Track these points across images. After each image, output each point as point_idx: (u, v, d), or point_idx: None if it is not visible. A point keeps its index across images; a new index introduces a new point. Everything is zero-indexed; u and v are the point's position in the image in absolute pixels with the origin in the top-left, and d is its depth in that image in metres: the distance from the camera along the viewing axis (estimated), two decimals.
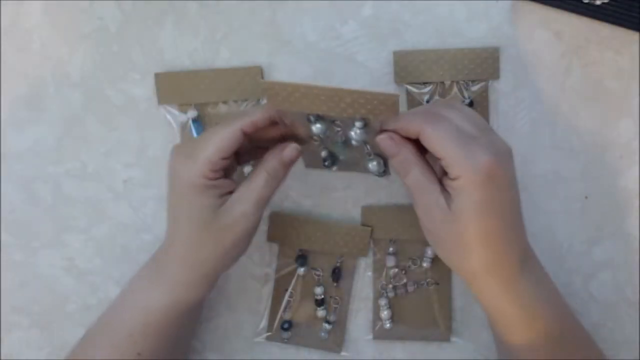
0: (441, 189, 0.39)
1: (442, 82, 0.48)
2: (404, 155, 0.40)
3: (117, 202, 0.52)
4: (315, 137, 0.43)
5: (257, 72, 0.49)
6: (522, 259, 0.41)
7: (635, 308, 0.50)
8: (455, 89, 0.49)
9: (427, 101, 0.49)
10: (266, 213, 0.51)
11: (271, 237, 0.51)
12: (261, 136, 0.43)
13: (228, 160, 0.41)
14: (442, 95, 0.49)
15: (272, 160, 0.42)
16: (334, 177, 0.51)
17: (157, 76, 0.50)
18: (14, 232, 0.52)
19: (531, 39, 0.48)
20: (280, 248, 0.51)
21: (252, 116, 0.41)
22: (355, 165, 0.45)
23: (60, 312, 0.53)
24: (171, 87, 0.49)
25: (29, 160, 0.52)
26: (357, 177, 0.50)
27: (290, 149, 0.42)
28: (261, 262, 0.52)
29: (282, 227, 0.51)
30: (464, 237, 0.38)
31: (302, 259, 0.51)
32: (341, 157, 0.45)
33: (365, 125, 0.40)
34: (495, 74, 0.48)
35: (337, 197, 0.51)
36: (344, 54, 0.49)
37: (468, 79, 0.48)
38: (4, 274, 0.53)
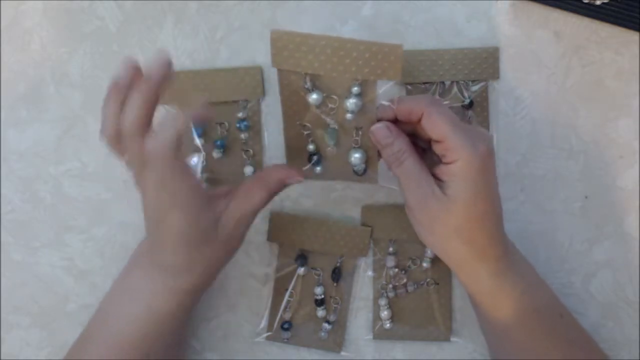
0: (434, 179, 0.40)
1: (442, 82, 0.48)
2: (399, 146, 0.41)
3: (117, 202, 0.52)
4: (305, 123, 0.43)
5: (257, 72, 0.49)
6: (505, 242, 0.42)
7: (635, 308, 0.50)
8: (455, 89, 0.49)
9: None
10: (266, 213, 0.51)
11: (271, 237, 0.51)
12: None
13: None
14: (442, 95, 0.49)
15: (276, 182, 0.44)
16: None
17: None
18: (14, 232, 0.52)
19: (531, 39, 0.48)
20: (280, 248, 0.51)
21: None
22: (338, 170, 0.45)
23: (60, 312, 0.53)
24: (171, 87, 0.49)
25: (29, 160, 0.52)
26: None
27: (295, 180, 0.44)
28: (261, 262, 0.52)
29: (282, 227, 0.51)
30: (459, 223, 0.39)
31: (302, 259, 0.51)
32: (329, 146, 0.44)
33: (361, 94, 0.40)
34: (495, 74, 0.48)
35: (337, 197, 0.51)
36: None
37: (468, 79, 0.48)
38: (4, 274, 0.53)
